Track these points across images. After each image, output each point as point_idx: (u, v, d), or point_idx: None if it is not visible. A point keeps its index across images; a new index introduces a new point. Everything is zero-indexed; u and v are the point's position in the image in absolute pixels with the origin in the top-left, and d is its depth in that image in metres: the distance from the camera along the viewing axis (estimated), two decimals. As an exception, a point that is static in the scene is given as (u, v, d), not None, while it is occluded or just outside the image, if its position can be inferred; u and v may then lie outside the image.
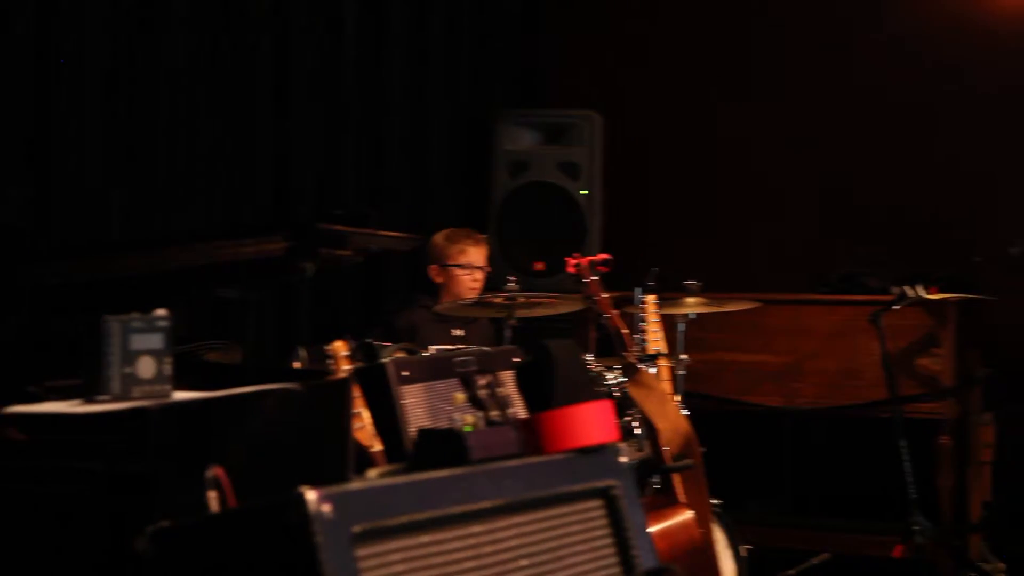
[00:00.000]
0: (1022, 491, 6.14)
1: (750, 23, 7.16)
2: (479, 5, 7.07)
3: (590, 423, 2.26)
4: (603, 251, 5.22)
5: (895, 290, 5.68)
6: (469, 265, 5.53)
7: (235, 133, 5.61)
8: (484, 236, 5.69)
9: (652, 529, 4.06)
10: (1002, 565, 6.00)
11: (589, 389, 2.30)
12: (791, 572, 5.91)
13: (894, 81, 6.80)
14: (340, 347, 3.45)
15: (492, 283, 5.73)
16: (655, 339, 4.77)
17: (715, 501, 4.76)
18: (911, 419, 5.68)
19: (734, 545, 4.83)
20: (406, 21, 6.59)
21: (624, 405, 4.56)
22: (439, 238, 5.59)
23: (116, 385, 2.34)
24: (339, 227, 2.73)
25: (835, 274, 6.46)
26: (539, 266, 6.56)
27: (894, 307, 5.56)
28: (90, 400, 2.34)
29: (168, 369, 2.41)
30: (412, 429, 3.74)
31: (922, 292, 5.53)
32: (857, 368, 6.07)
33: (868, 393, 6.00)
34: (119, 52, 5.05)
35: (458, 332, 5.51)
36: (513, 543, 2.13)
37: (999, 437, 6.12)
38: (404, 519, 1.98)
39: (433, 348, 5.05)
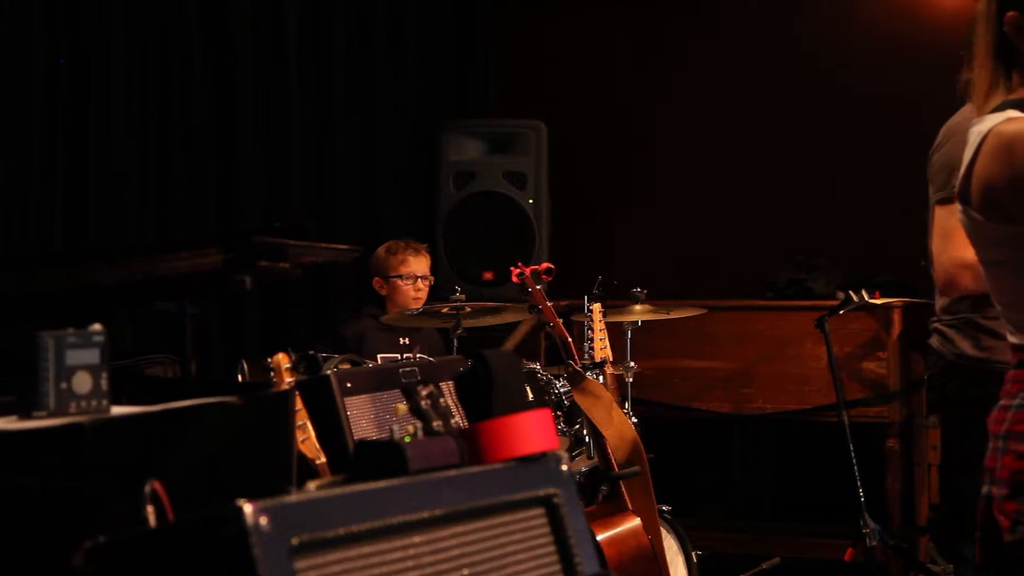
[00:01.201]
0: (967, 492, 6.18)
1: (683, 26, 7.18)
2: (420, 16, 7.07)
3: (529, 432, 2.26)
4: (551, 260, 5.23)
5: (840, 295, 5.72)
6: (410, 276, 5.52)
7: (180, 148, 5.59)
8: (424, 246, 5.68)
9: (600, 537, 4.08)
10: (950, 566, 6.03)
11: (528, 398, 2.29)
12: (742, 577, 5.94)
13: (835, 84, 6.85)
14: (282, 359, 3.44)
15: (439, 293, 5.73)
16: (601, 347, 4.80)
17: (666, 507, 4.78)
18: (858, 423, 5.73)
19: (685, 551, 4.84)
20: (348, 34, 6.57)
21: (575, 414, 4.57)
22: (380, 251, 5.60)
23: (52, 401, 2.32)
24: (277, 240, 2.71)
25: (781, 280, 6.50)
26: (487, 276, 6.56)
27: (839, 312, 5.60)
28: (26, 416, 2.32)
29: (105, 384, 2.39)
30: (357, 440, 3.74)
31: (866, 297, 5.58)
32: (804, 373, 6.11)
33: (816, 398, 6.04)
34: (60, 62, 5.02)
35: (404, 340, 5.53)
36: (454, 553, 2.11)
37: (944, 439, 6.15)
38: (343, 530, 1.96)
39: (380, 356, 5.07)
